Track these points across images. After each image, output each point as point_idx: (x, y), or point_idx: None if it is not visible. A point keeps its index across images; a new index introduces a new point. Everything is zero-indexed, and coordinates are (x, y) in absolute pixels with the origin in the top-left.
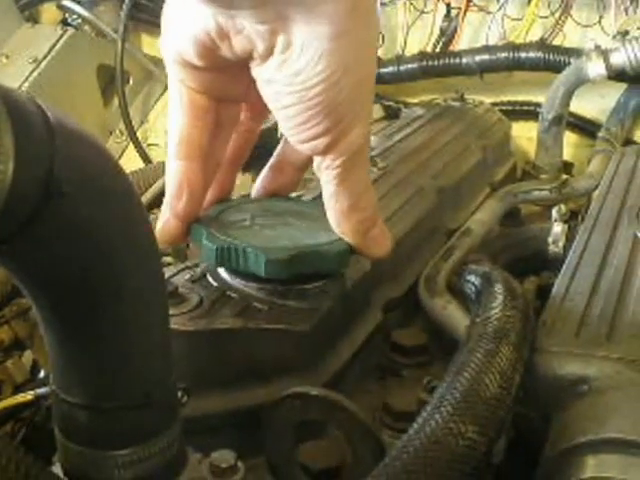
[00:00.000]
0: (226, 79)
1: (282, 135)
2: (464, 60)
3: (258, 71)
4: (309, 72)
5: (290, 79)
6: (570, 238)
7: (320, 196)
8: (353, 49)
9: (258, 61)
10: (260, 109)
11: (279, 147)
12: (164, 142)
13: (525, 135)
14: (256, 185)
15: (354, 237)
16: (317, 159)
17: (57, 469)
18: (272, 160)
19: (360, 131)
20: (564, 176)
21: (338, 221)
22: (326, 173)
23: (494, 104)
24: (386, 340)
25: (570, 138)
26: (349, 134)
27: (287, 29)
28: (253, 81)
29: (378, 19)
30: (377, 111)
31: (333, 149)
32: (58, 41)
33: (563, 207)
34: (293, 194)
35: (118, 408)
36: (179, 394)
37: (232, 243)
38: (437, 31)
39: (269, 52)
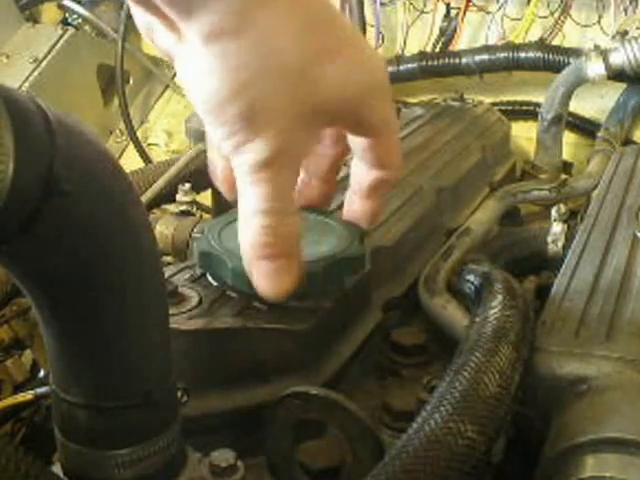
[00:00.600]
0: None
1: None
2: (464, 60)
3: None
4: (203, 86)
5: (190, 84)
6: (569, 238)
7: None
8: (241, 71)
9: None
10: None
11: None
12: (164, 142)
13: (524, 135)
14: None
15: (245, 250)
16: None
17: (57, 469)
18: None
19: (269, 142)
20: (563, 176)
21: (240, 224)
22: (237, 181)
23: (494, 104)
24: (386, 340)
25: (569, 138)
26: (253, 141)
27: (184, 37)
28: None
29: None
30: None
31: (239, 153)
32: (58, 41)
33: (562, 207)
34: None
35: (118, 408)
36: (179, 394)
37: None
38: (437, 31)
39: (170, 54)
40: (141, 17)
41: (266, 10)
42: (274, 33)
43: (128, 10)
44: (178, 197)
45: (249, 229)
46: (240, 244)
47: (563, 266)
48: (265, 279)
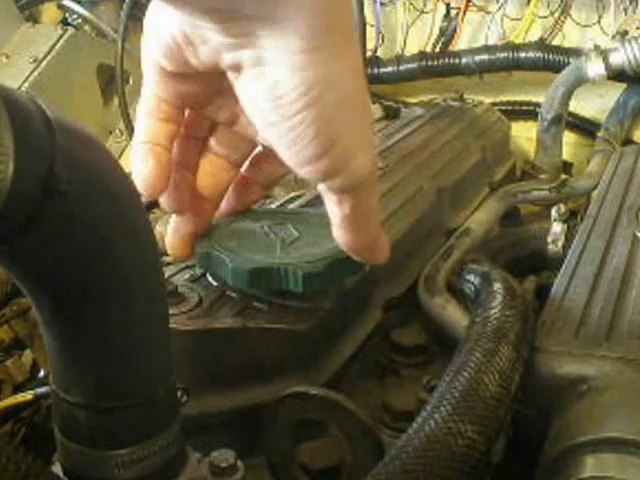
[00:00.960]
0: (199, 89)
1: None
2: (463, 60)
3: (237, 87)
4: (286, 86)
5: (269, 93)
6: (569, 238)
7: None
8: (331, 66)
9: (232, 76)
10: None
11: (245, 166)
12: None
13: (524, 135)
14: (222, 205)
15: (365, 254)
16: (318, 185)
17: (57, 469)
18: (238, 179)
19: (363, 160)
20: (563, 176)
21: (351, 244)
22: (333, 200)
23: (493, 104)
24: (386, 339)
25: (569, 138)
26: (350, 163)
27: (255, 43)
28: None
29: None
30: (377, 111)
31: (331, 179)
32: (58, 41)
33: (562, 207)
34: (291, 194)
35: (118, 408)
36: (179, 394)
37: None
38: (437, 31)
39: (237, 66)
40: (177, 27)
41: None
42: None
43: (128, 10)
44: None
45: (363, 230)
46: (349, 251)
47: (563, 266)
48: (379, 255)
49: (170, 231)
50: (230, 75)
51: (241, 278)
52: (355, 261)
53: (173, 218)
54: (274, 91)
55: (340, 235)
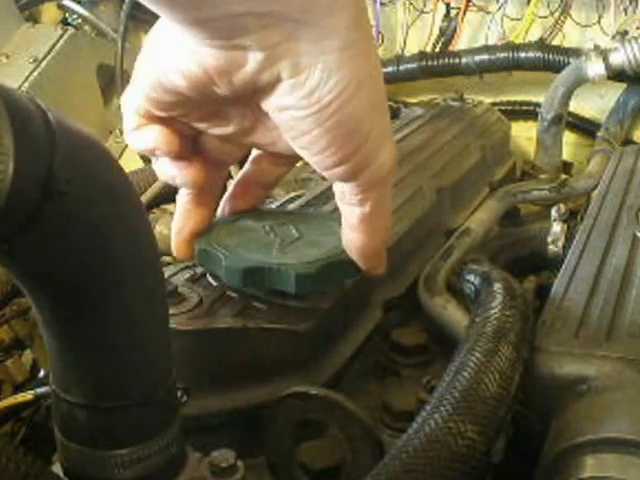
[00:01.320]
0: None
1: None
2: (463, 60)
3: (268, 102)
4: (322, 90)
5: (304, 102)
6: (569, 238)
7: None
8: (361, 61)
9: (263, 93)
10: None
11: (246, 166)
12: None
13: (524, 135)
14: (222, 205)
15: (373, 261)
16: (339, 186)
17: (57, 469)
18: (239, 179)
19: (387, 155)
20: (563, 176)
21: (364, 246)
22: (351, 203)
23: (493, 104)
24: (386, 339)
25: (569, 138)
26: (376, 159)
27: (293, 51)
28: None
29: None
30: None
31: (360, 176)
32: (58, 41)
33: (562, 207)
34: (291, 194)
35: (118, 407)
36: (179, 394)
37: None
38: (437, 31)
39: (275, 80)
40: (208, 57)
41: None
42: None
43: (128, 10)
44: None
45: (367, 253)
46: (356, 257)
47: (563, 266)
48: (379, 265)
49: (173, 232)
50: (264, 93)
51: (234, 276)
52: (351, 264)
53: (175, 219)
54: (311, 97)
55: (356, 238)
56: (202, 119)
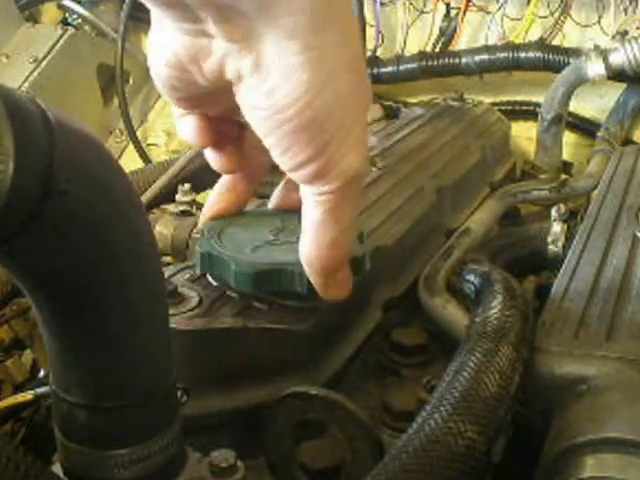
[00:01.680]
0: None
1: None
2: (463, 60)
3: (239, 97)
4: (280, 92)
5: (264, 102)
6: (569, 238)
7: None
8: (326, 65)
9: (234, 87)
10: None
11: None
12: (163, 142)
13: (524, 135)
14: (209, 203)
15: (319, 275)
16: (302, 187)
17: (57, 469)
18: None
19: (353, 159)
20: (563, 176)
21: (310, 254)
22: (312, 201)
23: (493, 104)
24: (386, 339)
25: (569, 138)
26: (341, 162)
27: (255, 47)
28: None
29: (360, 39)
30: (377, 111)
31: (322, 178)
32: (58, 41)
33: (562, 207)
34: None
35: (118, 407)
36: (179, 394)
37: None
38: (437, 31)
39: (238, 75)
40: (179, 44)
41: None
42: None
43: (128, 10)
44: (178, 197)
45: (322, 259)
46: (309, 266)
47: (563, 266)
48: (336, 290)
49: (205, 207)
50: (234, 88)
51: (245, 281)
52: (359, 261)
53: (210, 196)
54: (270, 98)
55: (306, 241)
56: (220, 110)
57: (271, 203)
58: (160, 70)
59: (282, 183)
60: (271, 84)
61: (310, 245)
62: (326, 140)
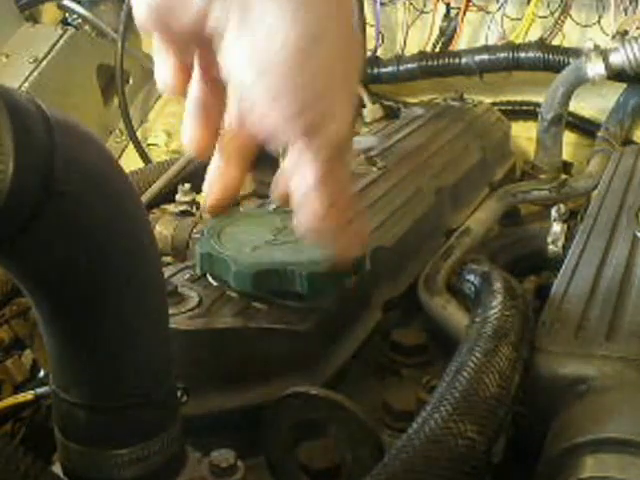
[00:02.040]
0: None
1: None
2: (463, 60)
3: (219, 43)
4: (272, 37)
5: (253, 45)
6: (569, 238)
7: None
8: (319, 19)
9: (216, 28)
10: None
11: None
12: (163, 142)
13: (524, 135)
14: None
15: (327, 235)
16: (295, 151)
17: (57, 469)
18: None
19: (344, 118)
20: (563, 176)
21: (314, 222)
22: (305, 167)
23: (493, 104)
24: (386, 339)
25: (569, 138)
26: (333, 119)
27: None
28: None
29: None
30: (377, 111)
31: (317, 134)
32: (58, 41)
33: (562, 207)
34: None
35: (118, 407)
36: (179, 394)
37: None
38: (437, 31)
39: (223, 21)
40: None
41: None
42: None
43: (128, 10)
44: (178, 197)
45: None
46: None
47: (563, 266)
48: (350, 246)
49: (205, 187)
50: (217, 37)
51: (245, 281)
52: (358, 261)
53: (207, 177)
54: (260, 42)
55: (308, 217)
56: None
57: (272, 192)
58: (141, 10)
59: (278, 171)
60: (263, 28)
61: (314, 215)
62: (318, 92)
